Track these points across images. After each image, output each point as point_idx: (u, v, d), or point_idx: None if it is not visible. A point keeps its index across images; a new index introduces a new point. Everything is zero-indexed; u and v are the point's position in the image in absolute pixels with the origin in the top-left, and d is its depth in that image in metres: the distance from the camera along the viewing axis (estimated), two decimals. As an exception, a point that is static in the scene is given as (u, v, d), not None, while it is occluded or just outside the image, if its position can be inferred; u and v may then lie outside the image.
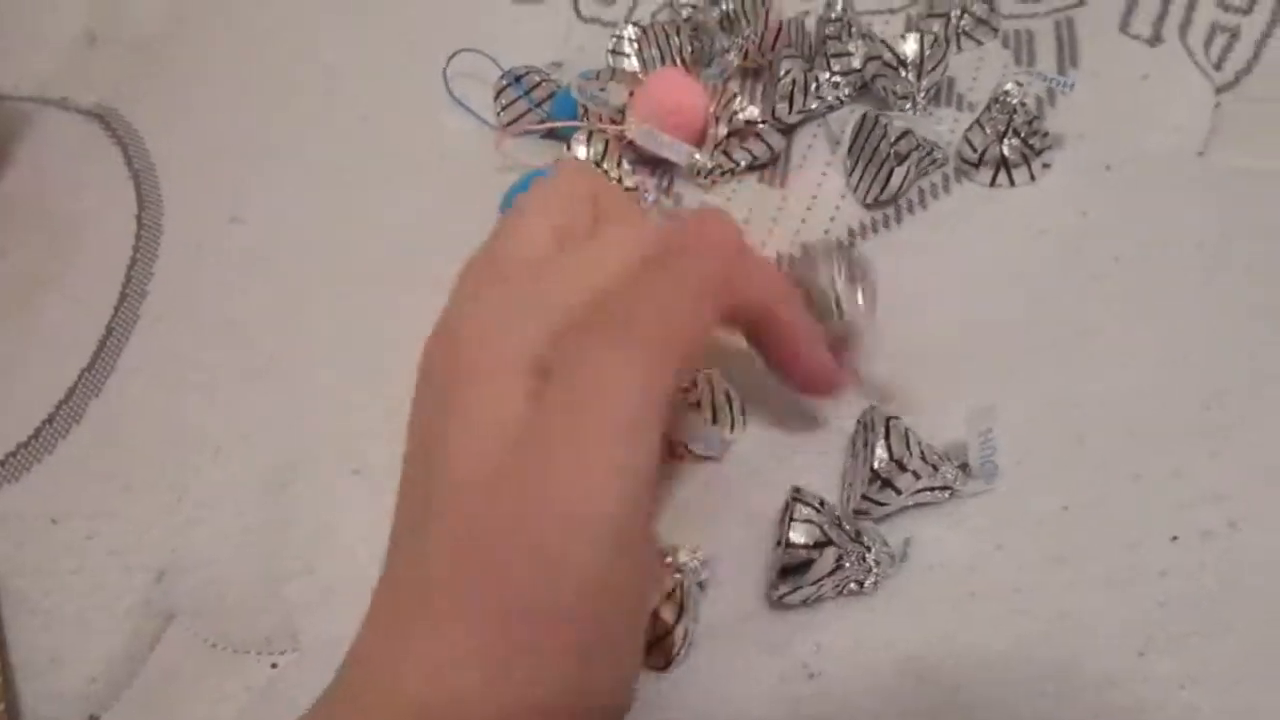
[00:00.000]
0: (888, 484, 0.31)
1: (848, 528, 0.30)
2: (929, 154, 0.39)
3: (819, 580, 0.30)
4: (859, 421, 0.33)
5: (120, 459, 0.40)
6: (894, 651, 0.30)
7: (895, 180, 0.38)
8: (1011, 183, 0.39)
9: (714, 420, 0.35)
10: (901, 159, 0.38)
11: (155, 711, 0.38)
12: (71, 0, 0.56)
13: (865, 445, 0.32)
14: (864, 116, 0.39)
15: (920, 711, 0.29)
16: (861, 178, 0.39)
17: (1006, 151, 0.38)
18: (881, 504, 0.31)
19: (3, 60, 0.47)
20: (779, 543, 0.30)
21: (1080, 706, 0.28)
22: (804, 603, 0.31)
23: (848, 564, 0.30)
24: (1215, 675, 0.28)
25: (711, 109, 0.41)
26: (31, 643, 0.38)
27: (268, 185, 0.47)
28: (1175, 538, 0.30)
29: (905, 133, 0.38)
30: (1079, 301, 0.35)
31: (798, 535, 0.30)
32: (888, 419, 0.32)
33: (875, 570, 0.30)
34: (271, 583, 0.37)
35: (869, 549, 0.30)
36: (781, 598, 0.30)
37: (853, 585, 0.30)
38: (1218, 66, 0.41)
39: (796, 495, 0.31)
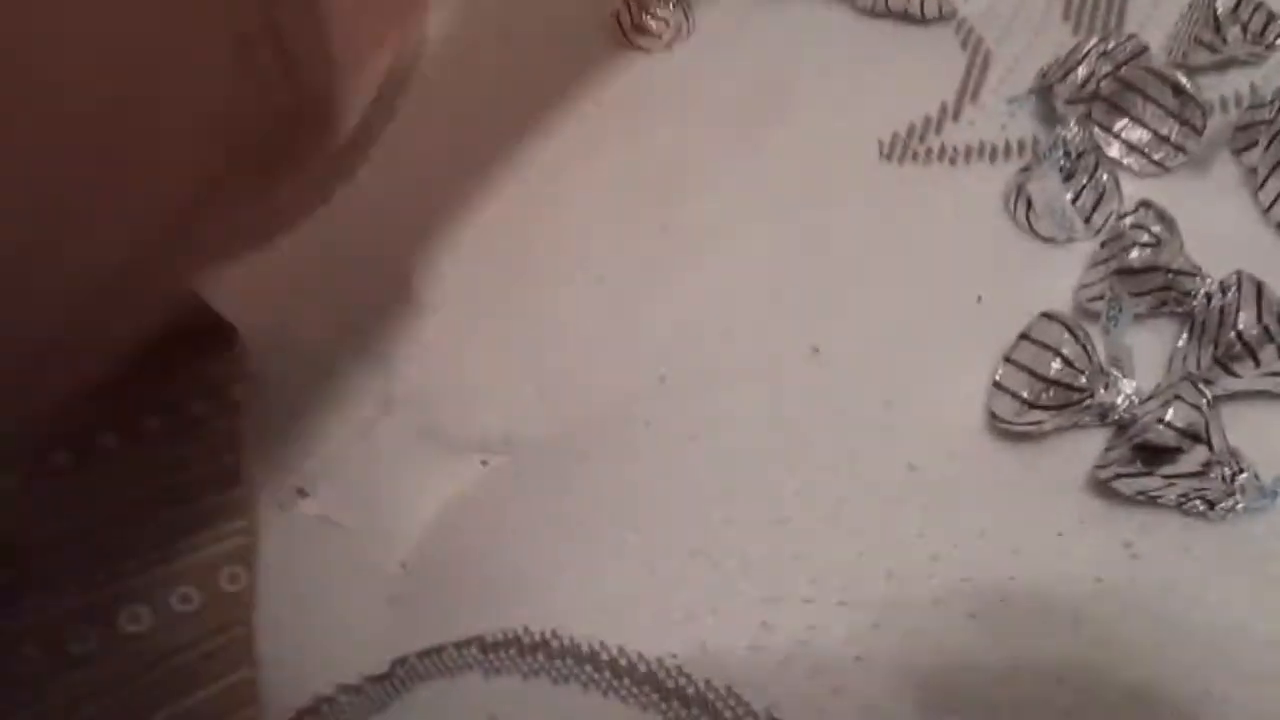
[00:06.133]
0: (1249, 352, 0.26)
1: (1229, 441, 0.27)
2: None
3: (1173, 479, 0.26)
4: (1220, 284, 0.29)
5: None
6: (1230, 558, 0.26)
7: None
8: None
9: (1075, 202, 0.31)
10: None
11: (361, 494, 0.36)
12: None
13: (1223, 311, 0.28)
14: None
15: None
16: None
17: None
18: (1235, 375, 0.27)
19: None
20: (1142, 418, 0.27)
21: None
22: (1133, 495, 0.27)
23: (1213, 474, 0.26)
24: None
25: None
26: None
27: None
28: None
29: None
30: None
31: (1177, 417, 0.25)
32: (1258, 284, 0.28)
33: (1239, 497, 0.26)
34: (491, 384, 0.36)
35: (1243, 470, 0.26)
36: (1114, 478, 0.27)
37: (1200, 504, 0.27)
38: None
39: (1188, 376, 0.27)
